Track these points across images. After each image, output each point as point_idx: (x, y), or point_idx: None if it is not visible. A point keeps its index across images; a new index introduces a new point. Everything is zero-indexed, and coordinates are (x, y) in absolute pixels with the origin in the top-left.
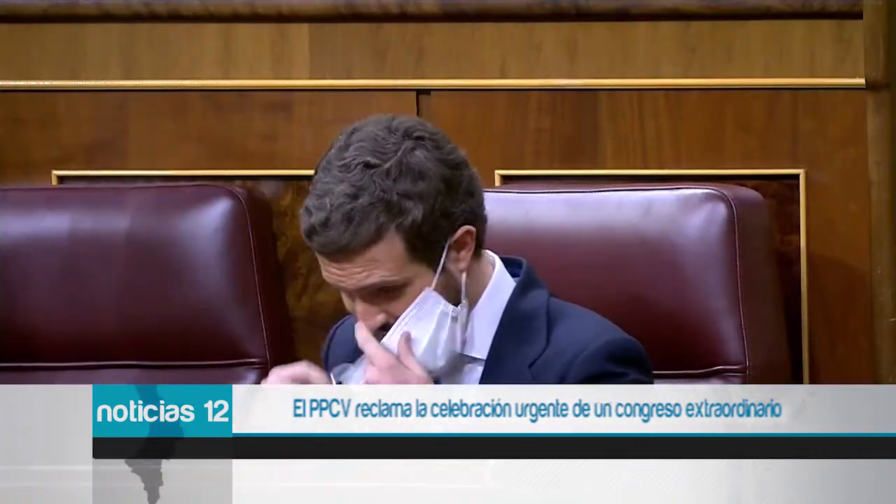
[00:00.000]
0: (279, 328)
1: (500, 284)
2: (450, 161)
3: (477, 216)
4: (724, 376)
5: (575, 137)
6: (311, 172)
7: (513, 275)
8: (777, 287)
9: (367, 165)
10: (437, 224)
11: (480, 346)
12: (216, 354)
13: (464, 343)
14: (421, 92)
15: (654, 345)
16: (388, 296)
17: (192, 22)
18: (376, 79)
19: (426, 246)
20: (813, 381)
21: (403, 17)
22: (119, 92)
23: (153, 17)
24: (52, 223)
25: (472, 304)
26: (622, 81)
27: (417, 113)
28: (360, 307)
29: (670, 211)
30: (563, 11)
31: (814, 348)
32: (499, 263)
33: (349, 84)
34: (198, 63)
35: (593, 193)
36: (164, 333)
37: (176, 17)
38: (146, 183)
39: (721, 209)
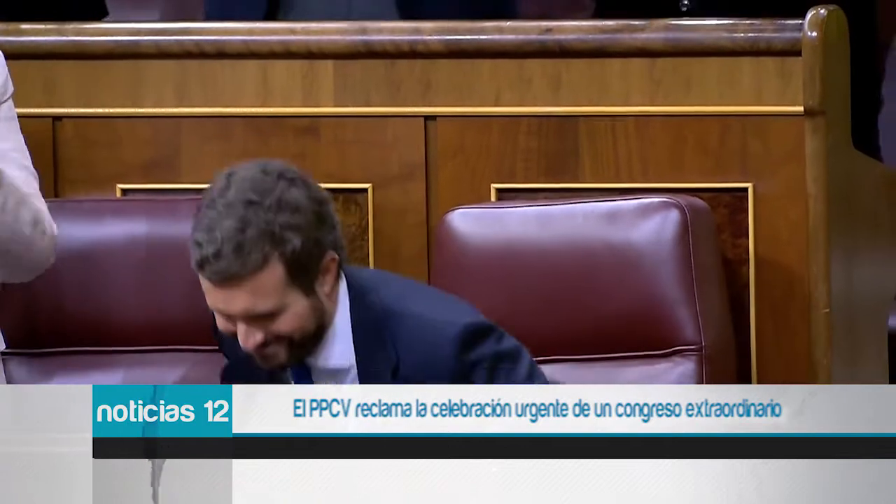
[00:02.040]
0: None
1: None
2: (318, 197)
3: (338, 245)
4: (683, 355)
5: (558, 156)
6: (334, 185)
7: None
8: (723, 280)
9: (250, 202)
10: (311, 252)
11: (345, 357)
12: None
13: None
14: (428, 118)
15: (623, 331)
16: (267, 318)
17: (235, 59)
18: (390, 107)
19: (302, 272)
20: (759, 361)
21: (413, 54)
22: (173, 118)
23: (202, 55)
24: (117, 228)
25: (329, 322)
26: (598, 109)
27: (425, 135)
28: (241, 328)
29: (633, 217)
30: (548, 50)
31: (760, 334)
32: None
33: (367, 111)
34: (240, 93)
35: (566, 206)
36: (209, 321)
37: (221, 55)
38: (196, 195)
39: (675, 214)
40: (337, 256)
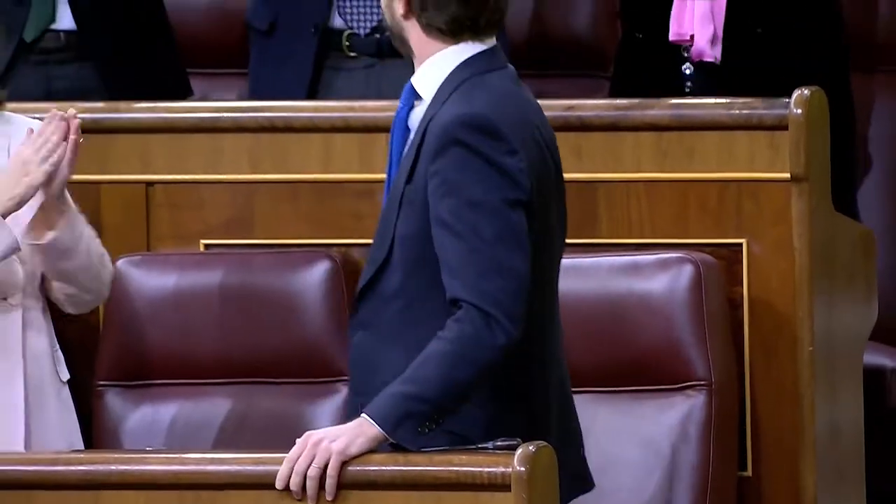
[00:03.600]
0: None
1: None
2: None
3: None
4: (695, 388)
5: (580, 215)
6: None
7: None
8: (728, 324)
9: None
10: None
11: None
12: (319, 373)
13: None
14: None
15: (643, 367)
16: None
17: (302, 132)
18: None
19: None
20: (752, 392)
21: None
22: (248, 183)
23: (274, 129)
24: (201, 278)
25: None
26: (614, 175)
27: None
28: None
29: (653, 270)
30: (570, 124)
31: (753, 368)
32: (459, 58)
33: None
34: (305, 162)
35: (593, 258)
36: (280, 357)
37: (290, 129)
38: (269, 249)
39: (690, 268)
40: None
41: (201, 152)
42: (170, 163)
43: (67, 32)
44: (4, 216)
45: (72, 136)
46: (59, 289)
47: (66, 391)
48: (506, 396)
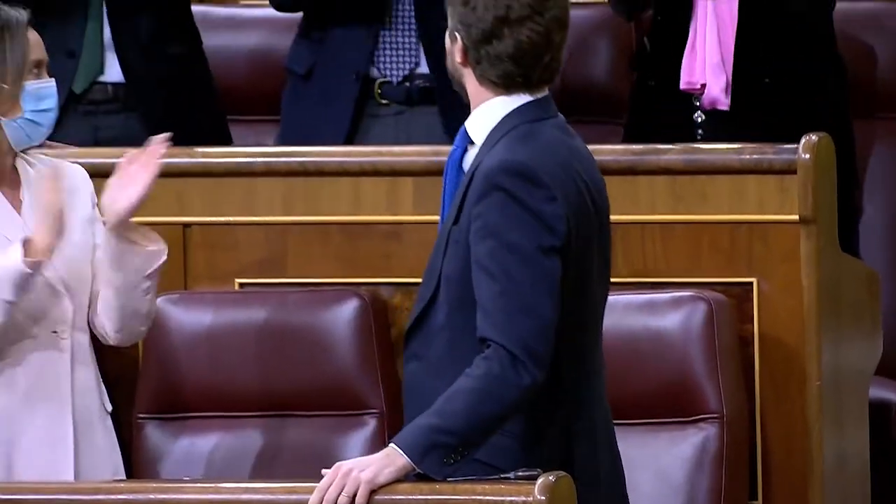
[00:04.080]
0: (392, 385)
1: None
2: None
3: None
4: (708, 421)
5: None
6: (416, 280)
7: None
8: (739, 360)
9: None
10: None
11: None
12: (348, 406)
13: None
14: None
15: (659, 401)
16: None
17: (332, 176)
18: None
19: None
20: (763, 425)
21: None
22: (281, 224)
23: (305, 173)
24: (236, 315)
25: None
26: (630, 217)
27: None
28: None
29: (667, 308)
30: None
31: (763, 402)
32: (510, 106)
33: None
34: (336, 203)
35: (611, 297)
36: (311, 391)
37: (321, 173)
38: (301, 288)
39: (703, 306)
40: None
41: (236, 195)
42: (206, 205)
43: (115, 85)
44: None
45: (146, 169)
46: (113, 321)
47: (110, 422)
48: (538, 431)
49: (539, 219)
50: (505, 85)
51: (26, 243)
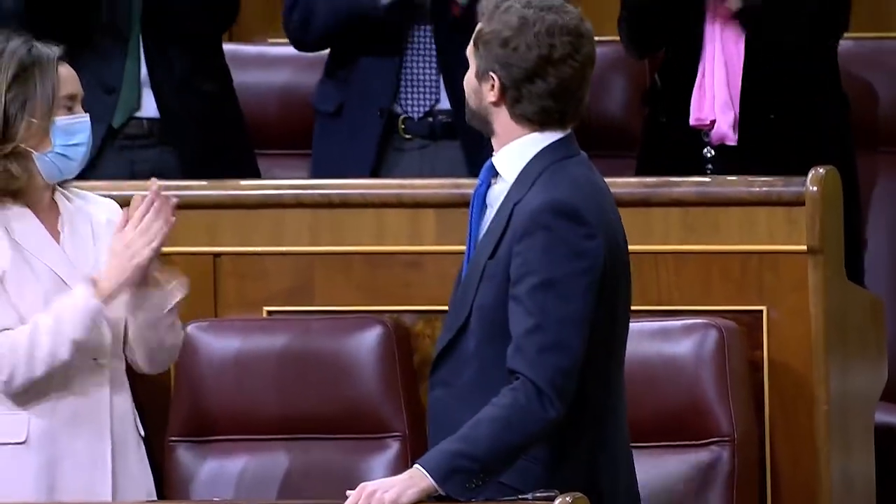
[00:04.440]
0: (414, 409)
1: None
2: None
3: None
4: (719, 444)
5: None
6: (436, 307)
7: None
8: (749, 385)
9: None
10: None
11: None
12: (372, 430)
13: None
14: None
15: (672, 424)
16: None
17: (356, 208)
18: None
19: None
20: (772, 447)
21: None
22: (308, 254)
23: (331, 205)
24: (264, 342)
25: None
26: (644, 247)
27: None
28: None
29: (680, 335)
30: None
31: (773, 425)
32: (540, 144)
33: (461, 249)
34: (360, 234)
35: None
36: (336, 414)
37: (345, 205)
38: (326, 315)
39: (714, 333)
40: (498, 81)
41: (265, 226)
42: (236, 236)
43: (150, 120)
44: (113, 296)
45: (171, 217)
46: (144, 350)
47: (143, 446)
48: (562, 456)
49: (580, 257)
50: (541, 122)
51: (93, 283)
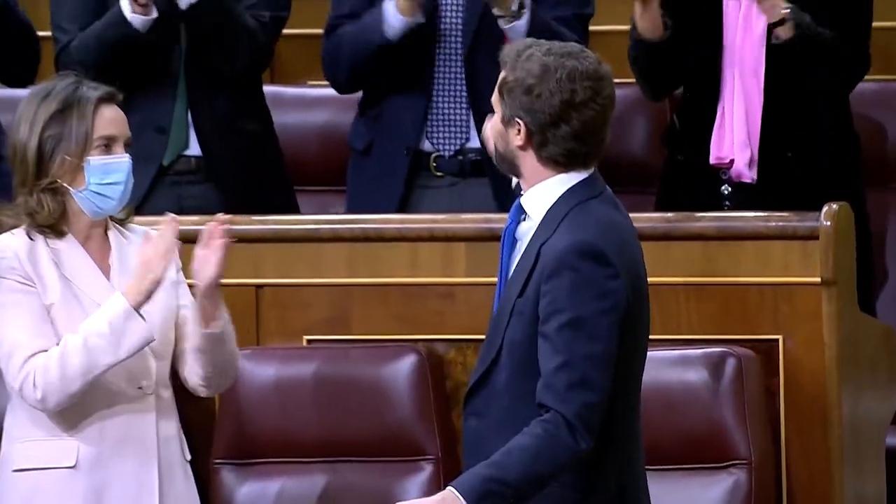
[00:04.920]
0: (447, 433)
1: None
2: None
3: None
4: (737, 467)
5: None
6: (468, 336)
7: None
8: (766, 410)
9: None
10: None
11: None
12: (406, 453)
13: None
14: None
15: (692, 447)
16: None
17: (391, 241)
18: None
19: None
20: (788, 471)
21: None
22: (345, 286)
23: (367, 239)
24: (304, 369)
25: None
26: (666, 279)
27: None
28: None
29: (700, 363)
30: None
31: (789, 449)
32: (566, 185)
33: (491, 280)
34: (395, 267)
35: (648, 352)
36: (372, 438)
37: (381, 239)
38: (363, 344)
39: (732, 361)
40: (524, 126)
41: (305, 259)
42: (277, 268)
43: (197, 158)
44: (136, 309)
45: (220, 241)
46: (202, 374)
47: (189, 469)
48: (593, 483)
49: (605, 297)
50: (566, 163)
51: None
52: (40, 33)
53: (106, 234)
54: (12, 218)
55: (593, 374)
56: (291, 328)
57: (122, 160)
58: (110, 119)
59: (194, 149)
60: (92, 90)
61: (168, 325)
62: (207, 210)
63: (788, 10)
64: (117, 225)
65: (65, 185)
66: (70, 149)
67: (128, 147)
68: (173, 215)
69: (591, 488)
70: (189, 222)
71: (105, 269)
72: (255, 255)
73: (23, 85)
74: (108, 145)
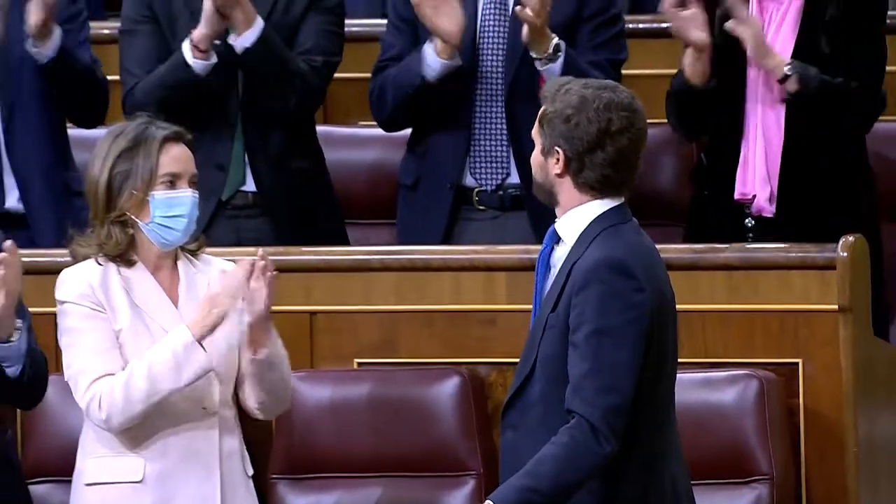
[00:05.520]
0: (488, 450)
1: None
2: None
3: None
4: (759, 482)
5: None
6: (508, 360)
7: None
8: (787, 429)
9: None
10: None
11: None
12: (450, 468)
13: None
14: None
15: (717, 463)
16: None
17: (437, 271)
18: None
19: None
20: (808, 486)
21: None
22: (393, 312)
23: (414, 268)
24: (355, 390)
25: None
26: (692, 306)
27: None
28: None
29: (725, 384)
30: None
31: (808, 466)
32: (598, 210)
33: (529, 307)
34: (440, 295)
35: (677, 375)
36: (418, 455)
37: (427, 269)
38: (410, 367)
39: (755, 383)
40: (563, 156)
41: (355, 287)
42: (330, 296)
43: (254, 193)
44: (199, 340)
45: (269, 274)
46: (256, 398)
47: (251, 484)
48: (615, 488)
49: (631, 308)
50: (601, 189)
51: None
52: (110, 77)
53: (175, 264)
54: (85, 248)
55: (618, 380)
56: (343, 352)
57: (184, 195)
58: (175, 157)
59: (250, 185)
60: (160, 130)
61: (232, 351)
62: (263, 242)
63: (789, 67)
64: (189, 255)
65: (133, 217)
66: (136, 184)
67: (194, 183)
68: (251, 259)
69: (613, 494)
70: (245, 253)
71: (173, 297)
72: (308, 283)
73: (92, 126)
74: (172, 181)
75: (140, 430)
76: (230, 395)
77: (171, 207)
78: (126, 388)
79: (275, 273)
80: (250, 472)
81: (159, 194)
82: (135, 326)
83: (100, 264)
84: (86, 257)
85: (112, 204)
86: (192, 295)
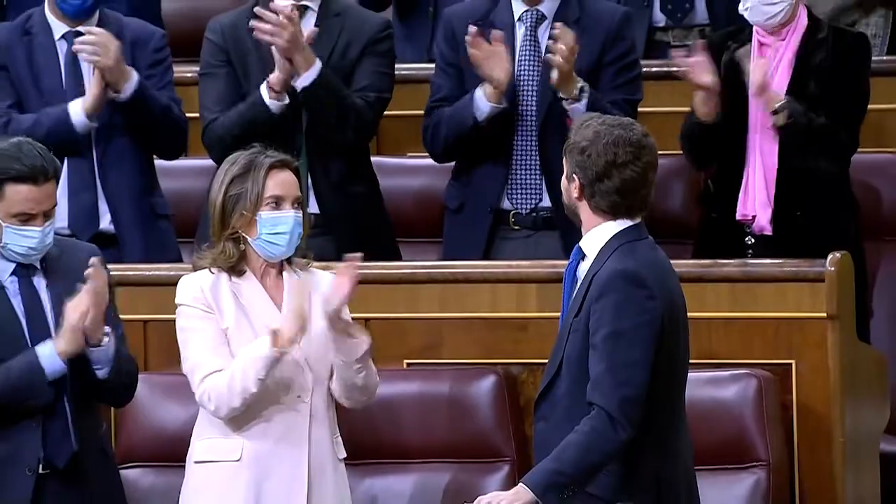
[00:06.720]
0: (521, 440)
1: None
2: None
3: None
4: (757, 467)
5: None
6: (538, 361)
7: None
8: (781, 421)
9: None
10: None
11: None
12: (487, 455)
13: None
14: None
15: (719, 451)
16: None
17: (476, 283)
18: None
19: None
20: (801, 473)
21: None
22: (437, 319)
23: (455, 281)
24: (405, 387)
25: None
26: (698, 314)
27: None
28: None
29: (727, 382)
30: None
31: (800, 454)
32: (615, 229)
33: (557, 315)
34: (479, 304)
35: None
36: (460, 443)
37: (467, 281)
38: (452, 367)
39: (754, 381)
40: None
41: (405, 297)
42: (383, 304)
43: (316, 215)
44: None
45: (354, 272)
46: (338, 389)
47: (342, 467)
48: (632, 470)
49: (642, 313)
50: (612, 212)
51: (274, 333)
52: (189, 115)
53: (281, 274)
54: (203, 260)
55: (632, 375)
56: (393, 354)
57: (287, 215)
58: (280, 181)
59: (313, 207)
60: (267, 158)
61: (323, 346)
62: (325, 258)
63: (782, 102)
64: (297, 268)
65: (243, 234)
66: (246, 205)
67: (297, 205)
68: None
69: (629, 475)
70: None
71: (277, 302)
72: (364, 294)
73: (173, 157)
74: (277, 203)
75: (244, 415)
76: (322, 385)
77: (275, 226)
78: (229, 385)
79: (357, 272)
80: (341, 455)
81: (265, 214)
82: (239, 325)
83: (212, 273)
84: (202, 269)
85: (226, 222)
86: (291, 301)
